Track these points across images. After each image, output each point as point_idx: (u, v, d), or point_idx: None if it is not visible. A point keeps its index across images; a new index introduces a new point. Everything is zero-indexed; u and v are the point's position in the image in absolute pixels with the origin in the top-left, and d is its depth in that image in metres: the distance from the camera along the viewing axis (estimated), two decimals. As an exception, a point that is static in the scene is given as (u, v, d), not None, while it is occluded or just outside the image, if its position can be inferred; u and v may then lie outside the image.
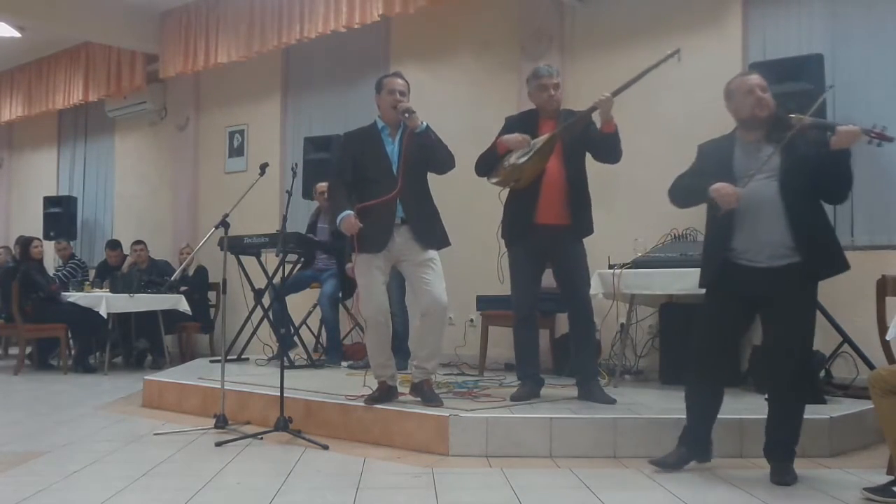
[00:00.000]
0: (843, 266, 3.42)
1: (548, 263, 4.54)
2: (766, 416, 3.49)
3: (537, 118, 4.50)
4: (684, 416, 3.58)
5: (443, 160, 4.35)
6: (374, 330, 4.35)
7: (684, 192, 3.59)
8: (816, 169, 3.32)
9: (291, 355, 6.29)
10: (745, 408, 4.09)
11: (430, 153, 4.29)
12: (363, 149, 4.35)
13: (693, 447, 3.53)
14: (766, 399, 3.53)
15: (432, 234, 4.34)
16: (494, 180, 4.46)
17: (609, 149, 4.36)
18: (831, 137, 3.29)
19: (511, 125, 4.53)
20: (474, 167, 4.57)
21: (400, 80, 4.41)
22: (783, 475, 3.37)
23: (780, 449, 3.44)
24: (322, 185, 6.76)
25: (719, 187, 3.32)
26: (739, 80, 3.57)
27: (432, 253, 4.30)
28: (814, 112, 3.44)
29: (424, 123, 4.26)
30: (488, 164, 4.49)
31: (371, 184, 4.30)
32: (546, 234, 4.38)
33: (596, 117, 4.32)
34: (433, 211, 4.41)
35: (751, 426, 3.76)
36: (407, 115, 4.22)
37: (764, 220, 3.35)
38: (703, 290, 3.61)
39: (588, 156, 4.49)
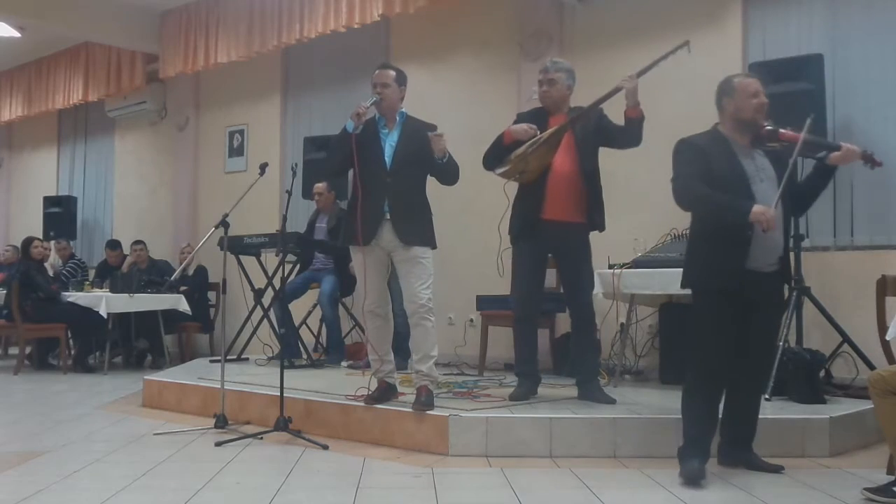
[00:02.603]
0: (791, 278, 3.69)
1: (552, 261, 4.51)
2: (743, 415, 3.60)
3: (546, 114, 4.48)
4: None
5: (449, 177, 4.37)
6: (370, 322, 4.37)
7: (713, 207, 3.42)
8: (805, 181, 3.61)
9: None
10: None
11: (437, 170, 4.31)
12: (359, 137, 4.33)
13: (705, 455, 3.43)
14: (731, 397, 3.58)
15: (413, 231, 4.25)
16: (500, 171, 4.43)
17: (631, 135, 4.27)
18: (830, 154, 3.44)
19: (521, 119, 4.51)
20: (482, 160, 4.55)
21: (389, 71, 4.36)
22: (765, 462, 3.54)
23: (750, 440, 3.59)
24: (319, 186, 6.76)
25: (763, 211, 3.24)
26: (744, 80, 3.56)
27: (420, 250, 4.24)
28: (808, 130, 3.46)
29: (448, 155, 4.27)
30: (495, 156, 4.46)
31: (363, 172, 4.28)
32: (553, 231, 4.35)
33: (611, 107, 4.29)
34: (421, 210, 4.36)
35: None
36: (444, 156, 4.24)
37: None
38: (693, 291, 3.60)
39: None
